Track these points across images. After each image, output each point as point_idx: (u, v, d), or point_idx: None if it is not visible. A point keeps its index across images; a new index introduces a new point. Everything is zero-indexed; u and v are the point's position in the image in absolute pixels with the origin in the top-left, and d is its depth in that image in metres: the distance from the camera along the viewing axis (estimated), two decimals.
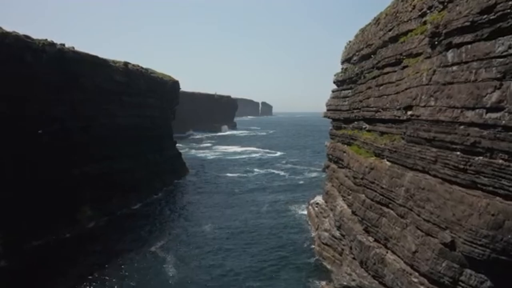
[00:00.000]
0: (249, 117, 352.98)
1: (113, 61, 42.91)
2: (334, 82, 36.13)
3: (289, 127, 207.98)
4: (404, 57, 20.12)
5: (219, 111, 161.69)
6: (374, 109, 22.63)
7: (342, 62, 35.58)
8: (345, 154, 26.22)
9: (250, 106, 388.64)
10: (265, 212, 35.91)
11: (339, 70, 36.25)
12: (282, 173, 58.45)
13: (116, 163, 39.23)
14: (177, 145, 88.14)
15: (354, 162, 21.77)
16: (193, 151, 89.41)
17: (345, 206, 22.92)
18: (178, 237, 29.50)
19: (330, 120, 36.32)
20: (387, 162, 17.24)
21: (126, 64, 44.21)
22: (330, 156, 30.53)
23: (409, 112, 16.63)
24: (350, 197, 21.51)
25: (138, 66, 47.63)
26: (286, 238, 28.41)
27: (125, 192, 39.59)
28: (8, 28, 29.15)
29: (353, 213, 21.11)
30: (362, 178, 19.13)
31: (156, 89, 50.64)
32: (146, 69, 49.95)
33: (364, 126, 25.29)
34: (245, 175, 56.98)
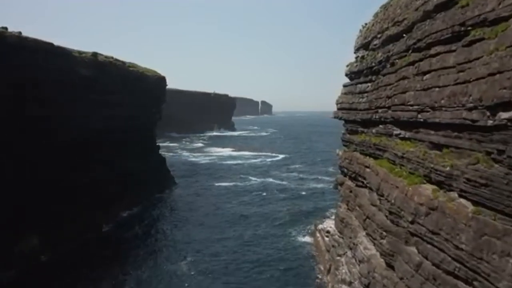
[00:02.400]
0: (248, 116, 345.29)
1: (79, 52, 35.68)
2: (347, 75, 28.96)
3: (290, 127, 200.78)
4: (470, 28, 12.95)
5: (216, 110, 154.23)
6: (416, 107, 15.45)
7: (357, 49, 28.42)
8: (368, 170, 18.99)
9: (250, 106, 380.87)
10: (259, 240, 28.54)
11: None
12: (282, 182, 50.93)
13: (80, 174, 32.02)
14: (168, 145, 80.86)
15: (389, 187, 14.53)
16: (184, 155, 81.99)
17: (374, 250, 15.69)
18: (144, 282, 22.15)
19: (340, 121, 29.32)
20: (464, 202, 10.01)
21: (95, 55, 36.94)
22: (345, 170, 23.29)
23: (505, 115, 9.44)
24: (384, 241, 14.29)
25: (112, 58, 40.35)
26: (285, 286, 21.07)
27: (91, 211, 32.38)
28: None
29: (389, 266, 13.89)
30: (412, 222, 11.88)
31: (135, 86, 43.35)
32: (123, 62, 42.67)
33: (397, 132, 18.07)
34: (240, 184, 49.52)
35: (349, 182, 22.18)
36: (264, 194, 44.32)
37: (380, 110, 20.66)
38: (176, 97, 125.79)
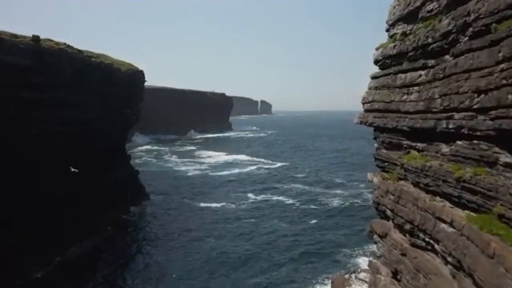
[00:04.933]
0: (247, 116, 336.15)
1: (12, 35, 26.76)
2: (378, 61, 19.97)
3: (290, 128, 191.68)
4: None
5: (212, 110, 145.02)
6: None
7: (392, 24, 19.46)
8: (449, 229, 10.08)
9: (249, 105, 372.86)
10: None
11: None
12: (287, 200, 41.43)
13: (11, 200, 23.19)
14: (158, 149, 72.16)
15: None
16: (172, 161, 72.46)
17: None
18: None
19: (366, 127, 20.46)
20: None
21: (36, 39, 27.98)
22: (388, 212, 14.30)
23: None
24: None
25: (64, 44, 31.28)
26: None
27: (20, 250, 23.54)
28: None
29: None
30: None
31: (99, 81, 34.38)
32: (80, 51, 33.54)
33: (510, 161, 9.20)
34: (232, 205, 39.62)
35: (397, 235, 13.22)
36: (265, 217, 34.93)
37: (457, 115, 11.80)
38: (169, 96, 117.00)
